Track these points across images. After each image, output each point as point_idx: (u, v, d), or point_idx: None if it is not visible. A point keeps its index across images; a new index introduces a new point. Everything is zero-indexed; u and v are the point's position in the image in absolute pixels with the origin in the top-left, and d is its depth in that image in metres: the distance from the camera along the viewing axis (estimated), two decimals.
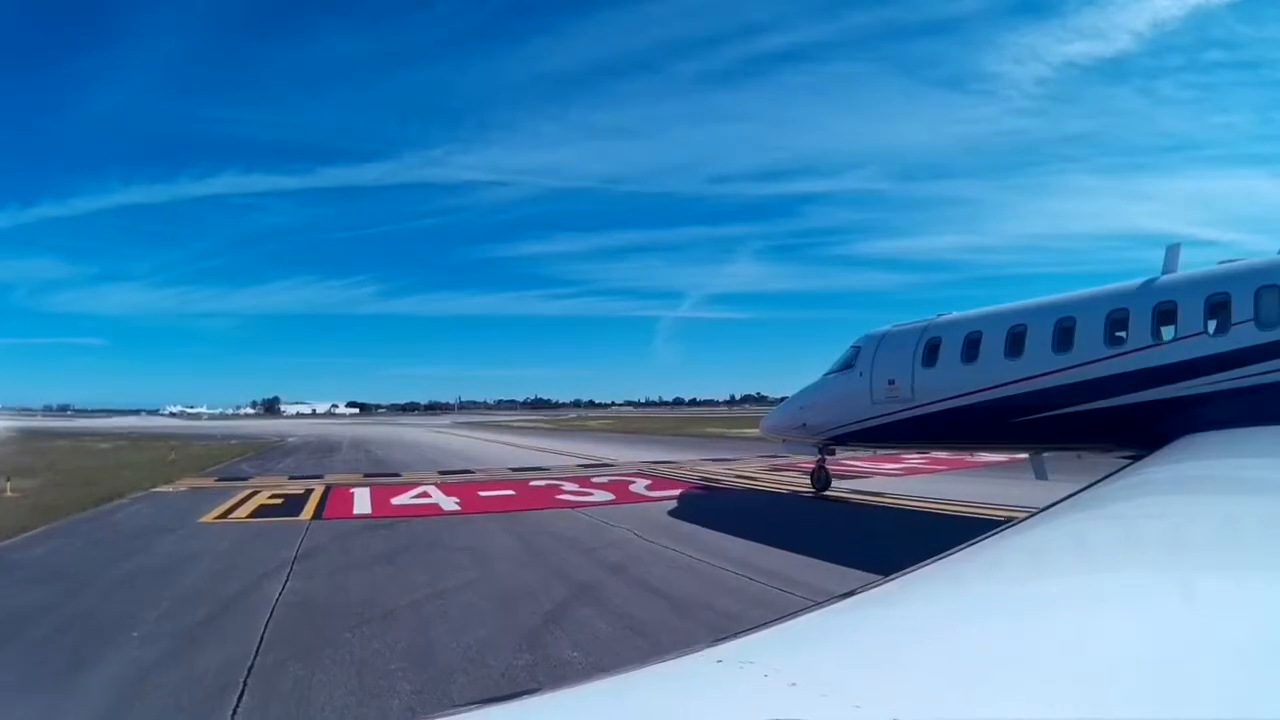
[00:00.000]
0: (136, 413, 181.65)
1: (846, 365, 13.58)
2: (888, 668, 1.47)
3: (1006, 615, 1.88)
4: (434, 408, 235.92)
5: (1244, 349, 8.34)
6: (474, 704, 1.38)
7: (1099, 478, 4.54)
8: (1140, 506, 3.90)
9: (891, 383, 12.25)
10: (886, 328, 13.30)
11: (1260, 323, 8.29)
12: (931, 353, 11.76)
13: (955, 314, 12.39)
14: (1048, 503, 3.58)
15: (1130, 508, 3.81)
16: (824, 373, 14.34)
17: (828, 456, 14.73)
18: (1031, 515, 3.31)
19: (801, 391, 14.85)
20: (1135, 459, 6.90)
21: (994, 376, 10.66)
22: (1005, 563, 2.58)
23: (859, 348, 13.42)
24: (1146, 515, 3.58)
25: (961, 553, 2.47)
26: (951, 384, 11.30)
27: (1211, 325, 8.82)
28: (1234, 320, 8.54)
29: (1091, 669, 1.37)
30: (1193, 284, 9.19)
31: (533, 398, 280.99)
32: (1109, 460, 8.10)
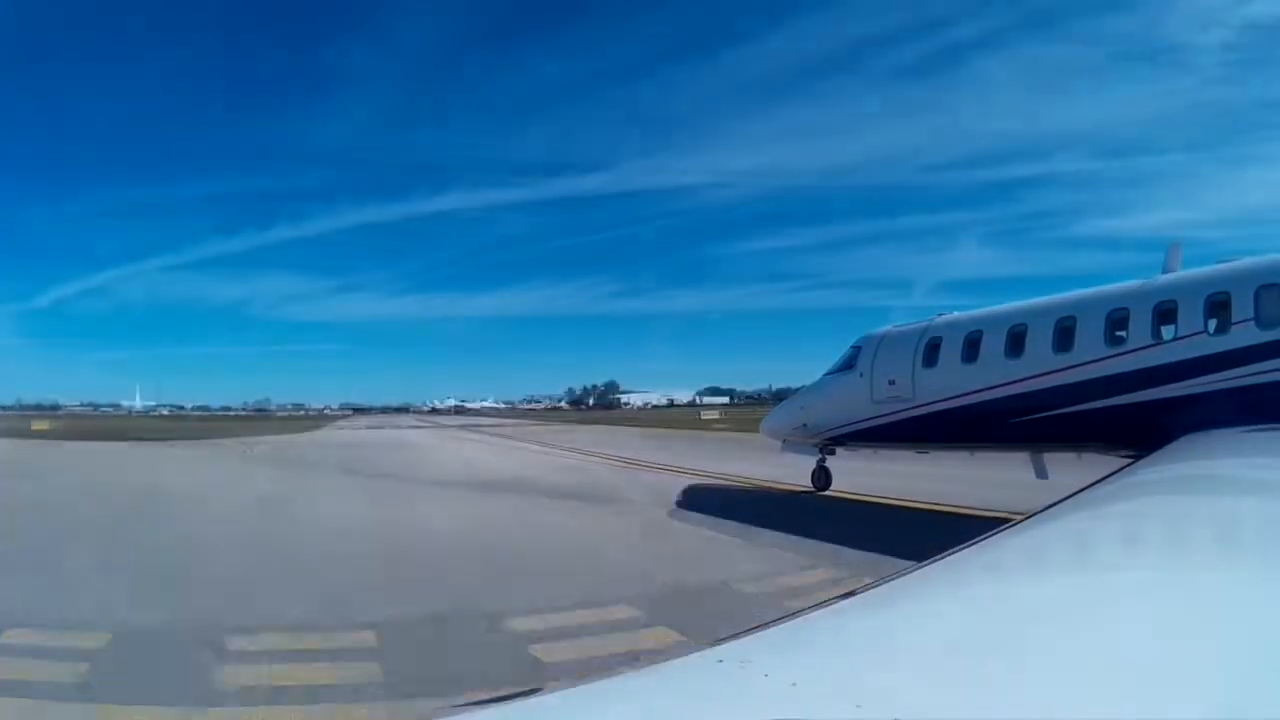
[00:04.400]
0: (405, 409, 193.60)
1: (847, 365, 13.57)
2: (888, 668, 1.47)
3: (1006, 615, 1.88)
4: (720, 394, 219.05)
5: (1244, 348, 8.34)
6: (474, 704, 1.38)
7: (1099, 478, 4.55)
8: (1140, 506, 3.90)
9: (892, 383, 12.25)
10: (887, 327, 13.31)
11: (1260, 322, 8.29)
12: (932, 353, 11.76)
13: (955, 314, 12.40)
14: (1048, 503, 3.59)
15: (1130, 508, 3.81)
16: (824, 372, 14.35)
17: (828, 456, 14.75)
18: (1031, 515, 3.31)
19: (802, 391, 14.86)
20: (1135, 459, 6.90)
21: (994, 376, 10.66)
22: (1005, 563, 2.58)
23: (859, 348, 13.42)
24: (1146, 515, 3.58)
25: (961, 553, 2.48)
26: (952, 384, 11.30)
27: (1211, 325, 8.83)
28: (1234, 320, 8.54)
29: (1091, 669, 1.37)
30: (1193, 283, 9.20)
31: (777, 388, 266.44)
32: (1109, 460, 8.09)
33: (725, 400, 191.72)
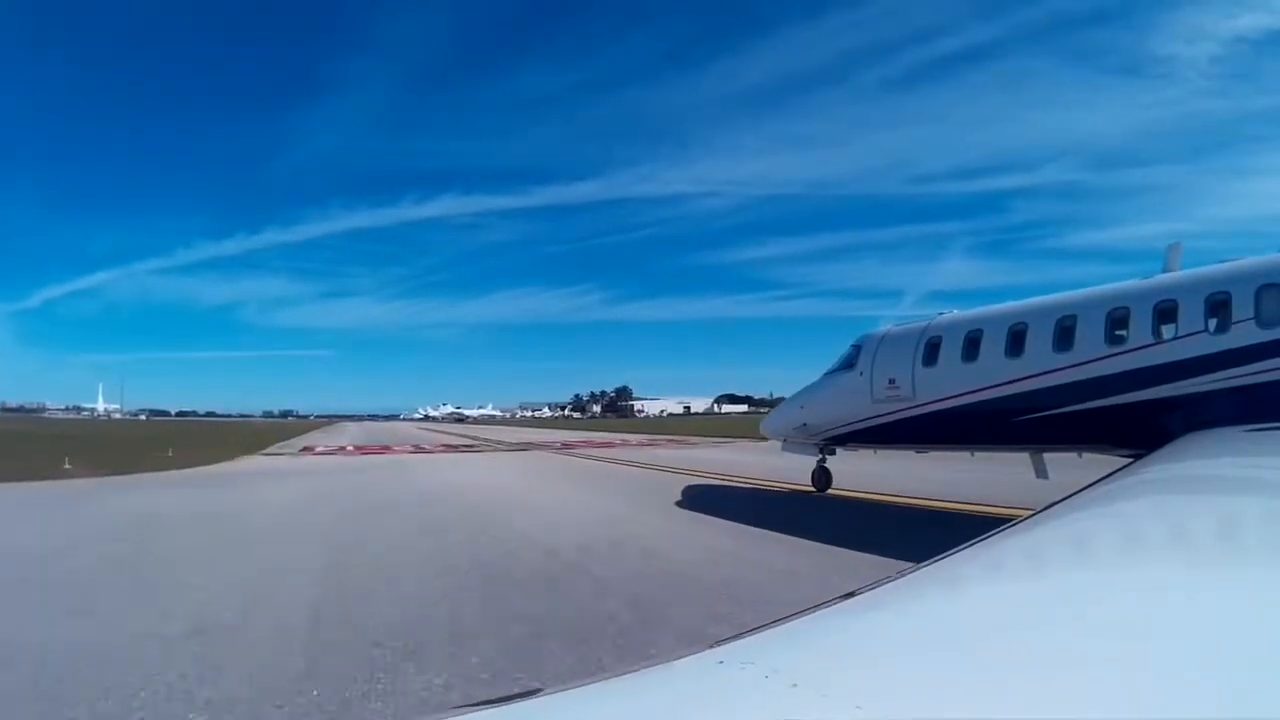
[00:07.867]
0: (393, 417, 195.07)
1: (847, 365, 13.56)
2: (889, 668, 1.47)
3: (1006, 615, 1.88)
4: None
5: (1244, 347, 8.35)
6: (474, 704, 1.38)
7: (1099, 477, 4.54)
8: (1140, 506, 3.90)
9: (892, 382, 12.24)
10: (888, 326, 13.30)
11: (1261, 321, 8.30)
12: (932, 352, 11.75)
13: (956, 312, 12.39)
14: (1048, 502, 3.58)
15: (1130, 508, 3.80)
16: (825, 372, 14.34)
17: (828, 456, 14.75)
18: (1031, 515, 3.31)
19: (802, 391, 14.84)
20: (1136, 459, 6.90)
21: (995, 376, 10.66)
22: (1005, 563, 2.58)
23: (859, 347, 13.41)
24: (1146, 515, 3.58)
25: (961, 553, 2.47)
26: (952, 383, 11.30)
27: (1212, 324, 8.83)
28: (1234, 319, 8.54)
29: (1091, 669, 1.37)
30: (1193, 282, 9.20)
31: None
32: (1110, 460, 8.09)
33: (744, 407, 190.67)
